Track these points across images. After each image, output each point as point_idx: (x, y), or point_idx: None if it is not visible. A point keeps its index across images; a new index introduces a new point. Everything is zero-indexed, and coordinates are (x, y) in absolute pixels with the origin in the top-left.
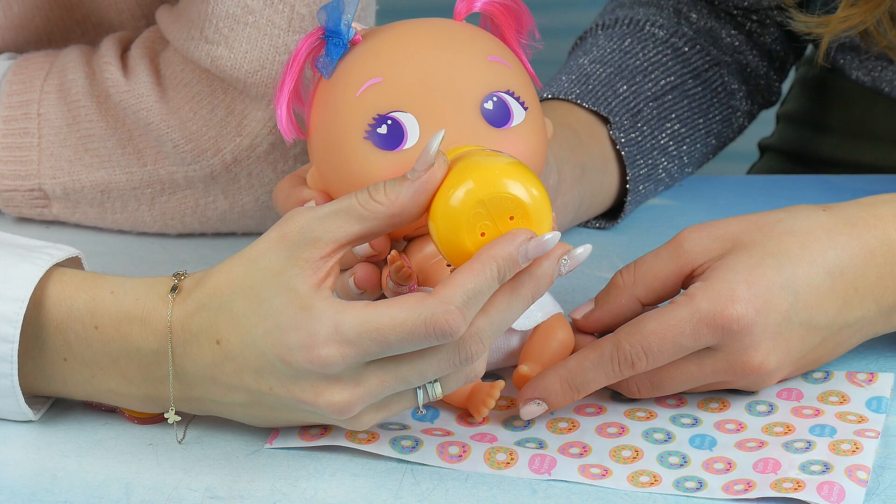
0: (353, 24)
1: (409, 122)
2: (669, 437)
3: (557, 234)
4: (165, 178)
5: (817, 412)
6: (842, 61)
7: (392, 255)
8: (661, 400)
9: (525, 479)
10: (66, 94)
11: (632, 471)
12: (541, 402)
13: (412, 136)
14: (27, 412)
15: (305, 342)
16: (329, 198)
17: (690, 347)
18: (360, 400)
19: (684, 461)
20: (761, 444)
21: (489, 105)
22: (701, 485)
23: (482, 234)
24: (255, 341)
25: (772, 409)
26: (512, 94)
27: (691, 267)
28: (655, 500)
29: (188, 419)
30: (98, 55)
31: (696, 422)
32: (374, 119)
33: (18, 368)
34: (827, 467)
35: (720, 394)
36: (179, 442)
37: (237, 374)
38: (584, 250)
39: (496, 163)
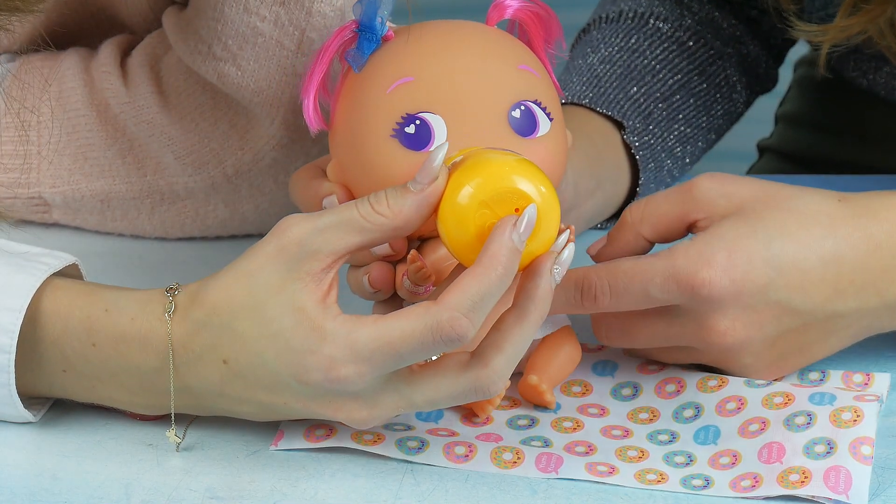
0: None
1: (437, 123)
2: (674, 437)
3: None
4: (165, 188)
5: (814, 385)
6: (838, 62)
7: (412, 255)
8: (660, 390)
9: (525, 479)
10: (65, 102)
11: (638, 469)
12: None
13: (439, 137)
14: (27, 416)
15: (323, 365)
16: (348, 191)
17: (657, 299)
18: (379, 418)
19: (690, 460)
20: (763, 426)
21: (517, 114)
22: (708, 482)
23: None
24: (266, 362)
25: (770, 383)
26: (539, 105)
27: (695, 216)
28: (656, 500)
29: (189, 420)
30: (96, 62)
31: (697, 412)
32: (402, 118)
33: (18, 377)
34: (831, 446)
35: (718, 371)
36: (177, 451)
37: (248, 390)
38: (569, 253)
39: (503, 160)
